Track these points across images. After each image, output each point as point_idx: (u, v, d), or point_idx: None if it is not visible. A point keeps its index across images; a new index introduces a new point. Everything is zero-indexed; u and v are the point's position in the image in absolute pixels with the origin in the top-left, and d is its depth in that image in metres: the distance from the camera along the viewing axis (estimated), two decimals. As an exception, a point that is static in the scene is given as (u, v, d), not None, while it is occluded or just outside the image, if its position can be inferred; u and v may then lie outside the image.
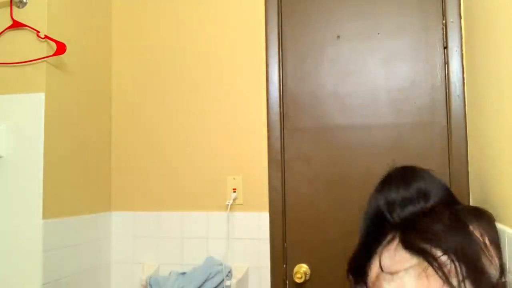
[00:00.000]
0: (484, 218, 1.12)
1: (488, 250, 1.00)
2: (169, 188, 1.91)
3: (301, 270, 1.74)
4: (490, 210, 1.36)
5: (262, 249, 1.78)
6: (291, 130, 1.83)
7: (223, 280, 1.71)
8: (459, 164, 1.66)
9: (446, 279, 0.91)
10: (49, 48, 1.56)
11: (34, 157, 1.51)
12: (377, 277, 1.02)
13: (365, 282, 1.07)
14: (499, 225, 1.22)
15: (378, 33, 1.78)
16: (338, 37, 1.82)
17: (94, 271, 1.79)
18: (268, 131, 1.82)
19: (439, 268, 0.92)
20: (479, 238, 1.01)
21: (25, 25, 1.54)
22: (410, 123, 1.73)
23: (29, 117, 1.53)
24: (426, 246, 0.97)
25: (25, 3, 1.56)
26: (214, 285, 1.69)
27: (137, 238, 1.92)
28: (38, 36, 1.53)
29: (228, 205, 1.81)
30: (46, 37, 1.53)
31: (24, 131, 1.53)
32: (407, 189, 1.18)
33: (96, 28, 1.91)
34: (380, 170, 1.72)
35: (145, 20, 2.00)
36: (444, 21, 1.72)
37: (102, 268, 1.86)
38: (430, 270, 0.93)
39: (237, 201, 1.82)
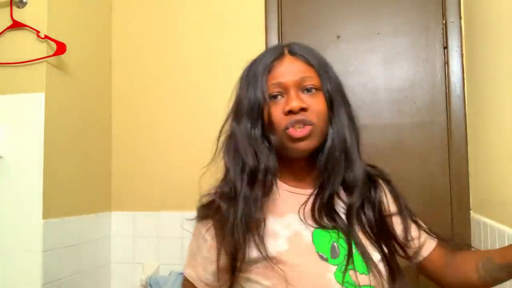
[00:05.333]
0: None
1: None
2: (169, 188, 1.91)
3: (301, 270, 1.73)
4: (490, 210, 1.37)
5: (262, 249, 1.78)
6: (291, 130, 1.82)
7: (223, 280, 1.71)
8: (459, 164, 1.65)
9: None
10: (49, 48, 1.56)
11: (34, 157, 1.51)
12: None
13: None
14: (499, 225, 1.22)
15: (378, 33, 1.78)
16: (338, 37, 1.82)
17: (94, 271, 1.79)
18: (268, 131, 1.82)
19: None
20: None
21: (25, 25, 1.54)
22: (410, 123, 1.73)
23: (29, 117, 1.53)
24: None
25: (25, 3, 1.56)
26: (214, 285, 1.69)
27: (137, 238, 1.92)
28: (38, 36, 1.53)
29: (228, 205, 1.81)
30: (46, 37, 1.53)
31: (24, 131, 1.53)
32: None
33: (96, 28, 1.91)
34: (380, 170, 1.73)
35: (145, 20, 2.00)
36: (444, 21, 1.72)
37: (102, 268, 1.86)
38: None
39: (237, 201, 1.82)
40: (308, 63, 0.86)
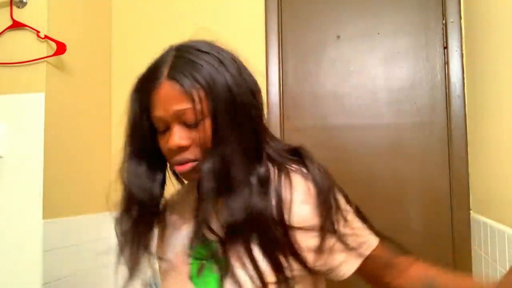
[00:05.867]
0: None
1: None
2: (169, 188, 1.90)
3: (301, 270, 1.73)
4: (491, 210, 1.37)
5: (262, 249, 1.78)
6: (291, 130, 1.82)
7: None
8: (459, 164, 1.66)
9: None
10: (49, 48, 1.56)
11: (34, 157, 1.51)
12: None
13: None
14: (499, 225, 1.22)
15: (378, 33, 1.78)
16: (338, 37, 1.82)
17: (94, 271, 1.79)
18: (268, 131, 1.82)
19: None
20: None
21: (25, 25, 1.54)
22: (410, 123, 1.73)
23: (29, 117, 1.53)
24: None
25: (25, 3, 1.56)
26: (214, 285, 1.69)
27: (137, 238, 1.91)
28: (38, 36, 1.53)
29: (228, 205, 1.81)
30: (46, 37, 1.53)
31: (24, 131, 1.53)
32: None
33: (96, 28, 1.91)
34: (380, 170, 1.73)
35: (145, 21, 2.00)
36: (444, 21, 1.72)
37: (102, 268, 1.86)
38: None
39: (237, 201, 1.82)
40: (185, 90, 0.71)
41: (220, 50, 0.82)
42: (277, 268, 0.71)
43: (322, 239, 0.73)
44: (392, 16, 1.78)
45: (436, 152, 1.70)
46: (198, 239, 0.76)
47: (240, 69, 0.78)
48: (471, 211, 1.61)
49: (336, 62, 1.81)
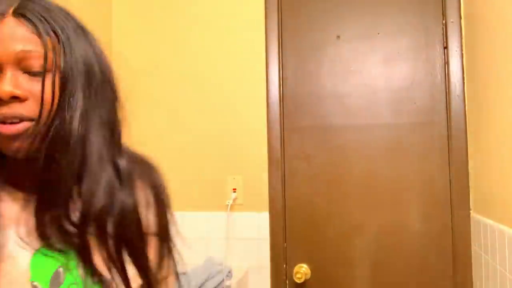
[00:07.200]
0: None
1: None
2: (169, 188, 1.91)
3: (301, 270, 1.74)
4: (491, 210, 1.37)
5: (262, 249, 1.78)
6: (291, 130, 1.83)
7: (223, 280, 1.71)
8: (459, 164, 1.66)
9: None
10: (49, 48, 1.56)
11: (34, 157, 1.51)
12: None
13: None
14: (499, 225, 1.22)
15: (378, 33, 1.78)
16: (338, 37, 1.82)
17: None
18: (268, 131, 1.82)
19: None
20: None
21: (25, 25, 1.54)
22: (410, 123, 1.73)
23: (29, 117, 1.53)
24: None
25: (25, 3, 1.56)
26: (214, 285, 1.69)
27: (137, 238, 1.91)
28: (38, 36, 1.53)
29: (228, 205, 1.81)
30: (46, 37, 1.54)
31: (24, 131, 1.53)
32: None
33: (96, 28, 1.90)
34: (380, 170, 1.73)
35: (145, 21, 2.00)
36: (444, 21, 1.72)
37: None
38: None
39: (237, 201, 1.82)
40: (37, 30, 0.57)
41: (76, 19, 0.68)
42: (144, 273, 0.65)
43: (161, 252, 0.71)
44: (392, 16, 1.78)
45: (436, 152, 1.70)
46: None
47: (98, 46, 0.72)
48: (471, 211, 1.61)
49: (336, 62, 1.81)
